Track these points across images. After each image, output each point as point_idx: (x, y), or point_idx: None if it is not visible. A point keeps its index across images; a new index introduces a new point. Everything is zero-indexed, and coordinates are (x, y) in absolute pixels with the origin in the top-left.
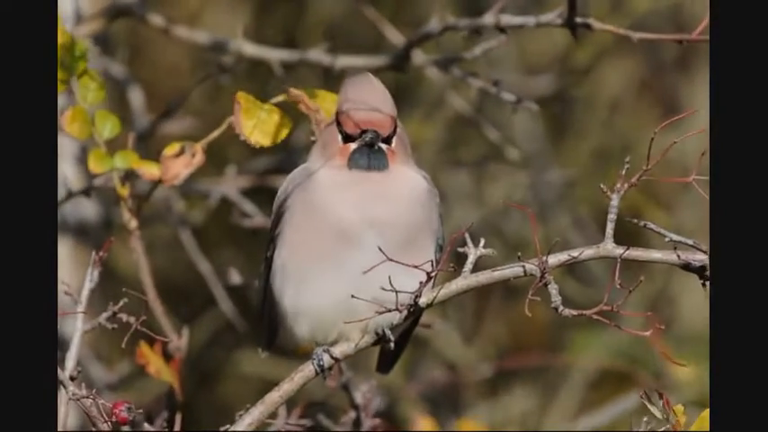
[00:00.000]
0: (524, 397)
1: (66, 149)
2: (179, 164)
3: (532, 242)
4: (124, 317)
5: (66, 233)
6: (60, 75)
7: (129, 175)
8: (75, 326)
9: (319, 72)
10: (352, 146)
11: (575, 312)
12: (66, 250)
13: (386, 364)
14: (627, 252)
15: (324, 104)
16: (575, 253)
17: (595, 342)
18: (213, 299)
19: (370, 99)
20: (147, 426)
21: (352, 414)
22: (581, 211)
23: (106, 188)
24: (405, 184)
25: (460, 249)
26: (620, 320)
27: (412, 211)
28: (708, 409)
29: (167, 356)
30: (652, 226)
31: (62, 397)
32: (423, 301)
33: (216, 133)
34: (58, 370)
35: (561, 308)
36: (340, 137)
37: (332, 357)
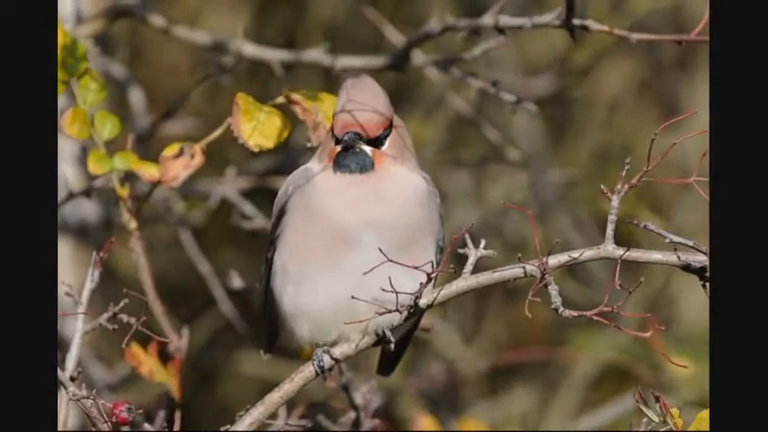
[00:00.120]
0: (524, 396)
1: (67, 150)
2: (178, 165)
3: (532, 243)
4: (124, 317)
5: (66, 234)
6: (60, 75)
7: (129, 176)
8: (75, 326)
9: (320, 72)
10: (337, 148)
11: (575, 313)
12: (66, 251)
13: (387, 366)
14: (627, 253)
15: (324, 106)
16: (575, 254)
17: (595, 343)
18: (213, 299)
19: (361, 101)
20: (146, 426)
21: (352, 414)
22: (581, 212)
23: (106, 189)
24: (404, 185)
25: (461, 250)
26: (620, 321)
27: (411, 211)
28: (707, 410)
29: (168, 357)
30: (652, 227)
31: (62, 397)
32: (423, 302)
33: (215, 134)
34: (59, 370)
35: (561, 309)
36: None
37: (332, 358)
